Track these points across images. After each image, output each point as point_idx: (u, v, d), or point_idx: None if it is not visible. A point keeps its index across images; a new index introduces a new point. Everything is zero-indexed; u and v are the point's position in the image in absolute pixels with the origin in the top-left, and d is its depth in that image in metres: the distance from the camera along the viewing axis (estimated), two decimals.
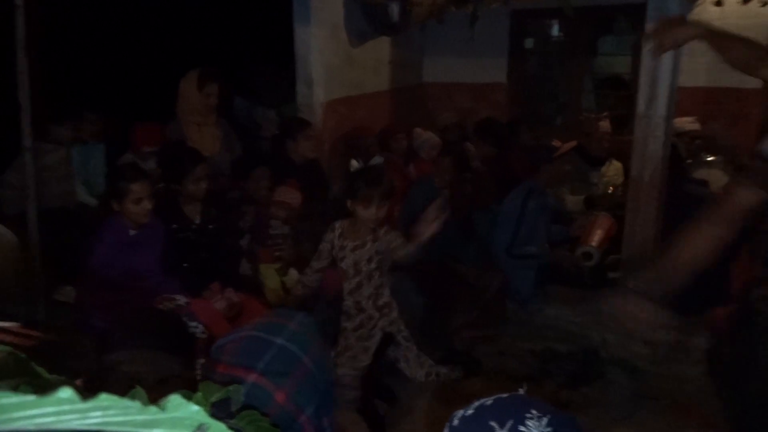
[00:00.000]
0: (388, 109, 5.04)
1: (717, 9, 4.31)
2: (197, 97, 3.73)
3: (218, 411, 0.71)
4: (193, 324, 2.71)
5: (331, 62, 4.25)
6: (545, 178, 3.78)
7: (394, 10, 4.28)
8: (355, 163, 2.74)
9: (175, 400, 0.35)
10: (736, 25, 4.46)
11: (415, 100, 5.49)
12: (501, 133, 4.38)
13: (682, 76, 3.46)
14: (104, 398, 0.33)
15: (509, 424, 0.82)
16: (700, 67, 4.64)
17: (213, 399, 0.69)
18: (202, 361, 2.46)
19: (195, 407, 0.35)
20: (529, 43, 5.93)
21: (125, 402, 0.33)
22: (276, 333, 1.08)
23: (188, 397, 0.38)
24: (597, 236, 3.65)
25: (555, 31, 6.02)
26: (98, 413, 0.32)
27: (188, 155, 3.15)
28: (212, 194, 3.15)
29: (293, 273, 3.39)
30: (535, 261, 3.70)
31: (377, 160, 2.69)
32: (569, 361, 3.55)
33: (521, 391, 0.91)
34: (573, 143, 4.40)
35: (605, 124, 4.42)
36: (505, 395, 0.89)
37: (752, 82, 4.59)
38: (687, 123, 4.46)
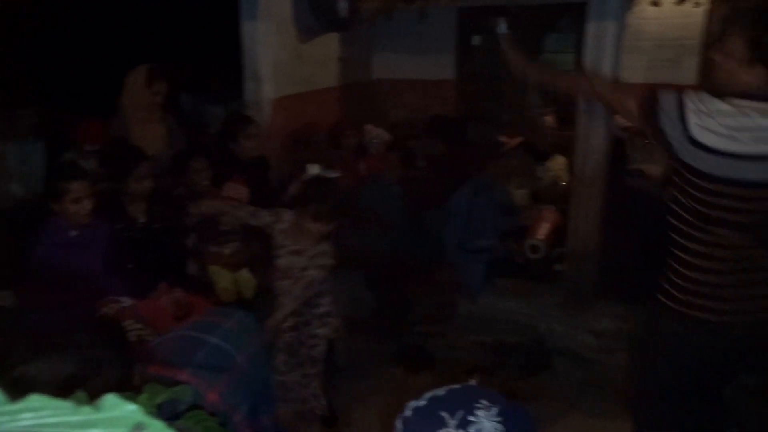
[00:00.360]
0: (337, 105, 5.02)
1: (654, 9, 4.46)
2: (144, 93, 3.63)
3: (164, 411, 0.70)
4: (139, 326, 2.64)
5: (280, 58, 4.21)
6: (493, 173, 3.84)
7: (343, 5, 4.27)
8: (311, 169, 2.70)
9: (110, 399, 0.34)
10: (672, 24, 4.64)
11: (365, 97, 5.49)
12: (450, 129, 4.43)
13: (623, 72, 3.57)
14: (35, 399, 0.32)
15: (459, 414, 0.84)
16: (639, 64, 4.79)
17: (158, 400, 0.68)
18: None
19: (131, 406, 0.35)
20: (476, 40, 6.00)
21: (57, 403, 0.32)
22: (209, 332, 1.07)
23: (131, 399, 0.38)
24: (544, 230, 3.74)
25: (502, 28, 6.10)
26: (29, 415, 0.31)
27: (131, 153, 3.07)
28: (157, 193, 3.07)
29: (245, 271, 3.35)
30: (485, 255, 3.76)
31: (333, 173, 2.66)
32: (519, 352, 3.63)
33: (473, 382, 0.93)
34: (519, 139, 4.49)
35: (550, 120, 4.52)
36: (458, 386, 0.91)
37: (687, 77, 4.78)
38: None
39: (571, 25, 5.33)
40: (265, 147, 3.91)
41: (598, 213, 3.47)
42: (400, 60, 5.54)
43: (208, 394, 0.99)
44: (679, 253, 1.94)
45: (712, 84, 1.91)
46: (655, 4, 4.38)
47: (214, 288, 3.22)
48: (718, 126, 1.77)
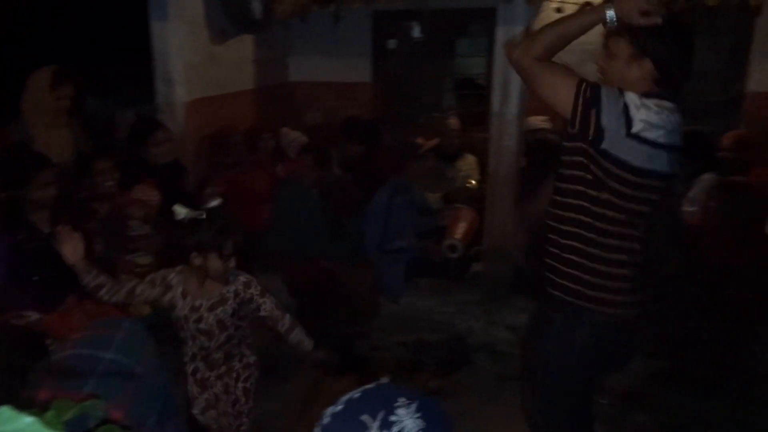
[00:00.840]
0: (253, 108, 4.95)
1: (558, 15, 4.66)
2: (48, 97, 3.43)
3: (73, 428, 0.67)
4: (49, 341, 2.52)
5: (192, 60, 4.11)
6: (410, 174, 3.91)
7: (257, 7, 4.22)
8: (178, 212, 2.26)
9: (4, 413, 0.33)
10: None
11: (281, 100, 5.44)
12: (366, 131, 4.46)
13: None
14: None
15: (381, 415, 0.84)
16: None
17: (66, 417, 0.65)
18: None
19: (28, 419, 0.33)
20: (392, 43, 6.07)
21: None
22: (104, 347, 1.01)
23: (38, 415, 0.36)
24: (461, 229, 3.83)
25: (416, 32, 6.21)
26: None
27: (33, 159, 2.90)
28: (61, 200, 2.92)
29: None
30: (405, 255, 3.81)
31: (213, 201, 2.28)
32: (439, 350, 3.70)
33: (385, 381, 0.93)
34: (436, 140, 4.58)
35: (454, 122, 4.62)
36: (371, 386, 0.91)
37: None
38: (540, 121, 4.78)
39: (483, 30, 5.48)
40: (178, 151, 3.81)
41: (512, 212, 3.59)
42: (317, 63, 5.53)
43: (113, 411, 0.95)
44: (592, 250, 1.95)
45: None
46: (559, 10, 4.57)
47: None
48: (656, 119, 1.82)
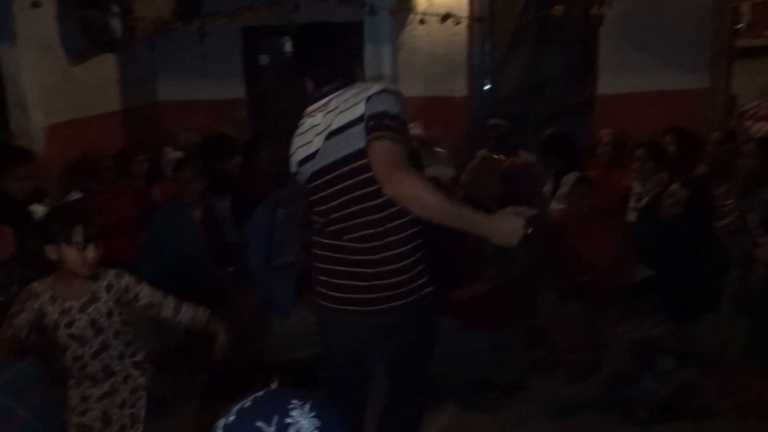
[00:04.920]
0: (120, 130, 4.73)
1: (423, 27, 4.85)
2: None
3: None
4: None
5: (47, 83, 3.86)
6: (294, 189, 3.87)
7: (115, 25, 4.03)
8: (38, 209, 2.15)
9: None
10: (440, 41, 5.06)
11: (151, 120, 5.23)
12: (229, 149, 4.37)
13: (402, 88, 3.82)
14: None
15: (275, 419, 0.83)
16: (415, 80, 5.15)
17: None
18: None
19: None
20: (264, 59, 6.02)
21: None
22: None
23: None
24: None
25: (287, 47, 6.20)
26: None
27: None
28: None
29: None
30: (292, 270, 3.77)
31: (74, 195, 2.17)
32: None
33: (274, 386, 0.93)
34: None
35: None
36: (261, 393, 0.90)
37: (458, 90, 5.26)
38: (413, 128, 4.93)
39: (353, 44, 5.56)
40: (40, 180, 3.55)
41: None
42: (187, 80, 5.38)
43: None
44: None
45: None
46: (422, 22, 4.75)
47: None
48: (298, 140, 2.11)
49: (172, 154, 4.55)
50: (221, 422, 0.87)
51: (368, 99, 1.93)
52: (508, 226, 1.73)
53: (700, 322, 3.43)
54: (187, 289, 3.47)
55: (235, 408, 0.88)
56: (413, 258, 2.07)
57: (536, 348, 3.55)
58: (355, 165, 1.94)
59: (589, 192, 3.39)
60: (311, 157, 2.03)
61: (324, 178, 2.02)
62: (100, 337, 2.24)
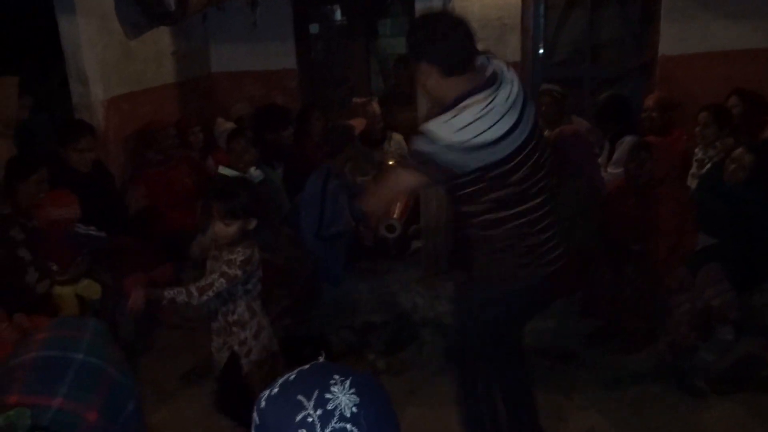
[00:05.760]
0: (176, 102, 4.82)
1: None
2: (13, 107, 3.43)
3: None
4: None
5: (106, 56, 3.95)
6: (344, 158, 3.87)
7: None
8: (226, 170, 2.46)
9: None
10: (493, 4, 4.91)
11: (205, 92, 5.31)
12: (283, 119, 4.41)
13: None
14: None
15: (315, 394, 0.85)
16: None
17: None
18: None
19: None
20: (314, 28, 6.01)
21: None
22: (73, 348, 0.99)
23: None
24: (397, 209, 3.85)
25: (338, 15, 6.17)
26: None
27: None
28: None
29: (85, 281, 3.15)
30: (343, 239, 3.81)
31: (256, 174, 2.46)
32: (385, 329, 3.74)
33: (321, 360, 0.94)
34: (363, 120, 4.53)
35: (374, 107, 4.60)
36: (306, 367, 0.91)
37: (512, 55, 5.12)
38: None
39: (402, 9, 5.50)
40: (100, 152, 3.68)
41: None
42: (239, 52, 5.42)
43: (87, 414, 0.94)
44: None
45: (434, 110, 2.10)
46: None
47: (59, 305, 2.99)
48: (466, 121, 1.95)
49: (225, 125, 4.62)
50: (265, 393, 0.89)
51: None
52: None
53: (763, 292, 3.31)
54: None
55: (280, 380, 0.90)
56: None
57: (591, 317, 3.50)
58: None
59: (647, 158, 3.27)
60: (513, 128, 1.99)
61: (531, 145, 2.05)
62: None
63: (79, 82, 3.83)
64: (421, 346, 3.62)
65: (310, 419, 0.83)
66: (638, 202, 3.31)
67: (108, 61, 3.96)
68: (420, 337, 3.68)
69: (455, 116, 1.94)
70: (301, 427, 0.83)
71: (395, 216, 3.83)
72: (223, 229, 2.43)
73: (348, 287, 3.86)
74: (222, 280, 2.43)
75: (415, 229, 4.08)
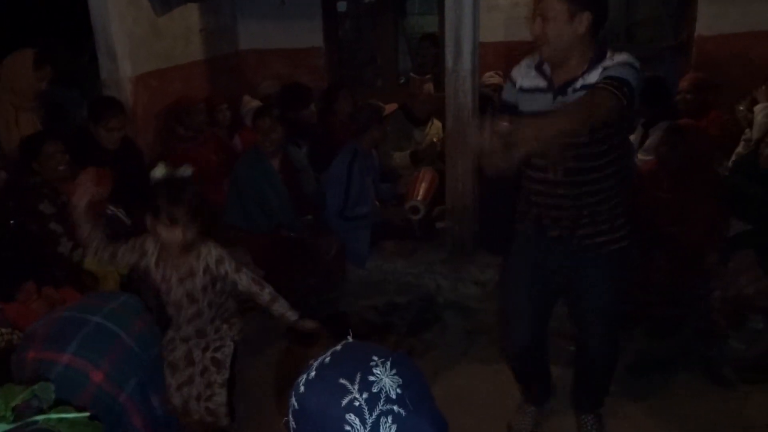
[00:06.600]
0: (203, 79, 4.83)
1: None
2: (30, 79, 3.46)
3: (23, 413, 0.65)
4: (7, 330, 2.45)
5: (135, 32, 3.96)
6: (372, 139, 3.85)
7: None
8: (157, 171, 2.27)
9: None
10: None
11: (232, 69, 5.31)
12: (306, 97, 4.38)
13: (483, 32, 3.68)
14: None
15: (358, 377, 0.83)
16: (497, 23, 4.96)
17: (15, 402, 0.62)
18: None
19: None
20: (342, 6, 5.96)
21: None
22: (92, 312, 1.01)
23: None
24: (422, 190, 3.82)
25: None
26: None
27: None
28: (9, 186, 2.82)
29: None
30: (368, 220, 3.80)
31: (185, 171, 2.26)
32: (409, 310, 3.74)
33: (349, 339, 0.92)
34: (394, 105, 4.50)
35: (429, 87, 4.56)
36: (338, 348, 0.89)
37: None
38: (489, 77, 4.76)
39: None
40: (128, 129, 3.70)
41: (471, 169, 3.59)
42: (267, 29, 5.39)
43: (93, 374, 0.95)
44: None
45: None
46: None
47: (94, 276, 3.03)
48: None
49: (251, 104, 4.62)
50: (302, 378, 0.87)
51: None
52: None
53: None
54: (268, 236, 3.59)
55: (315, 363, 0.87)
56: None
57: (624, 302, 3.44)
58: None
59: (680, 142, 3.18)
60: None
61: None
62: (194, 305, 2.40)
63: (108, 57, 3.85)
64: (445, 328, 3.61)
65: (356, 403, 0.81)
66: (670, 186, 3.23)
67: (136, 37, 3.98)
68: (443, 319, 3.67)
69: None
70: (348, 412, 0.81)
71: (419, 197, 3.80)
72: (179, 233, 2.26)
73: (372, 267, 3.86)
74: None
75: (440, 211, 4.05)
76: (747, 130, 3.89)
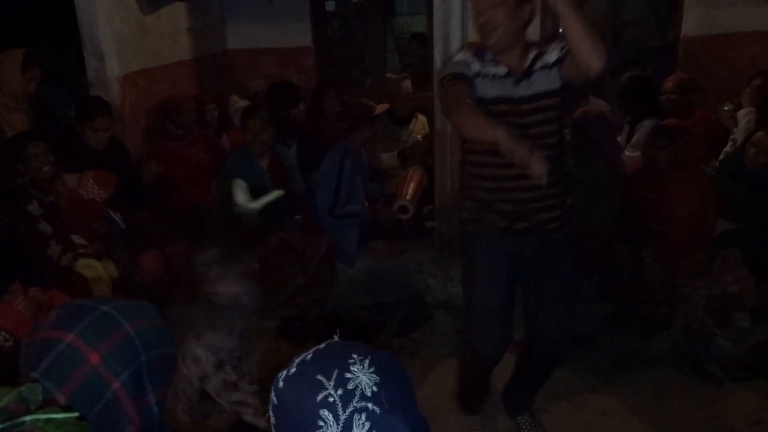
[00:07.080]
0: (191, 79, 4.80)
1: None
2: (19, 80, 3.42)
3: (10, 414, 0.64)
4: None
5: (122, 32, 3.93)
6: (362, 137, 3.84)
7: None
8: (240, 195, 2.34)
9: None
10: None
11: (221, 69, 5.29)
12: (294, 96, 4.38)
13: (472, 31, 3.69)
14: None
15: (335, 373, 0.83)
16: None
17: (2, 404, 0.62)
18: None
19: None
20: (330, 5, 5.95)
21: None
22: (102, 303, 1.04)
23: None
24: (410, 190, 3.81)
25: None
26: None
27: None
28: None
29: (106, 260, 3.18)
30: (357, 219, 3.80)
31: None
32: (398, 310, 3.74)
33: (336, 338, 0.93)
34: (385, 105, 4.50)
35: (407, 84, 4.57)
36: (322, 345, 0.90)
37: (533, 36, 5.04)
38: None
39: None
40: (115, 129, 3.68)
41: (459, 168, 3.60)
42: (255, 29, 5.37)
43: (91, 356, 0.97)
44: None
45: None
46: None
47: (85, 280, 3.01)
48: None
49: (239, 103, 4.60)
50: (282, 374, 0.88)
51: None
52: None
53: None
54: (256, 236, 3.58)
55: (297, 360, 0.88)
56: None
57: (608, 301, 3.47)
58: None
59: (668, 143, 3.19)
60: None
61: None
62: None
63: (94, 57, 3.82)
64: (434, 327, 3.62)
65: (331, 399, 0.82)
66: (657, 186, 3.26)
67: (124, 36, 3.95)
68: (433, 318, 3.68)
69: None
70: (322, 407, 0.82)
71: (408, 197, 3.80)
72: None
73: (362, 267, 3.86)
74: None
75: (429, 210, 4.06)
76: (735, 130, 3.93)
